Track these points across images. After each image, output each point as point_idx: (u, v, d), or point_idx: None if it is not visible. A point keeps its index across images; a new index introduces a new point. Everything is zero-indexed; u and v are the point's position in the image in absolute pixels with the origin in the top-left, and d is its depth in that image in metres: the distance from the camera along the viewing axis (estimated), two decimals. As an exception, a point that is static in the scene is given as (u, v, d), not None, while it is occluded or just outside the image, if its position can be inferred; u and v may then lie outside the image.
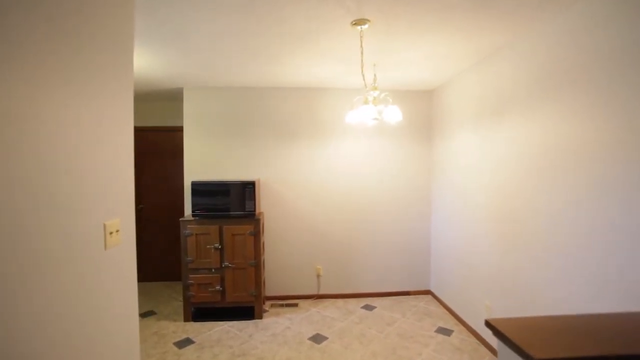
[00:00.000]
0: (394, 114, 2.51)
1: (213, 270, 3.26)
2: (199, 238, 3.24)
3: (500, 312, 2.56)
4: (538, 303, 2.17)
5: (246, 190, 3.27)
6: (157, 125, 4.42)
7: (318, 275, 3.87)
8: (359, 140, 3.86)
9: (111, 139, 1.27)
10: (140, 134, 4.44)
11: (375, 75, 2.69)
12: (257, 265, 3.30)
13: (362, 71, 2.54)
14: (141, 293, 4.33)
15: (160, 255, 4.42)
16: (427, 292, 3.96)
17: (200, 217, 3.25)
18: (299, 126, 3.82)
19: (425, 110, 3.92)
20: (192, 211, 3.24)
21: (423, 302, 3.75)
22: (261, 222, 3.41)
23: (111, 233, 1.28)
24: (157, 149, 4.45)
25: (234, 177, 3.74)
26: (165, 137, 4.42)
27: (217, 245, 3.23)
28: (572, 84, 1.88)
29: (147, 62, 2.88)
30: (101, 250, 1.21)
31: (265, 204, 3.81)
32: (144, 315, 3.44)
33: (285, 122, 3.81)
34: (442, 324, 3.20)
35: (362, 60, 2.53)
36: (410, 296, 3.91)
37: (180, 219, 3.25)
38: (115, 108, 1.30)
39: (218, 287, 3.25)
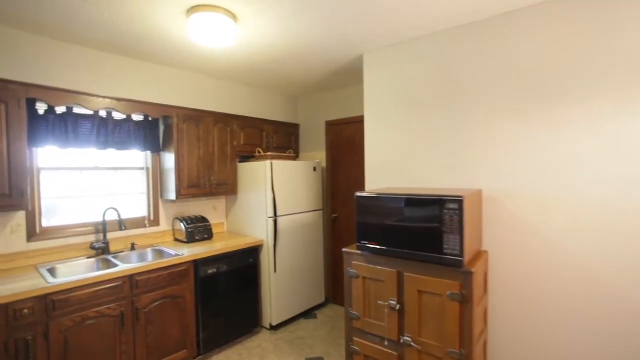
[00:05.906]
0: None
1: (387, 342, 1.96)
2: (367, 284, 2.03)
3: None
4: None
5: (445, 213, 1.72)
6: (349, 117, 3.56)
7: (621, 412, 1.71)
8: None
9: None
10: (334, 128, 3.74)
11: None
12: (465, 359, 1.70)
13: None
14: (325, 322, 3.27)
15: (353, 277, 3.55)
16: None
17: (370, 252, 2.01)
18: (567, 84, 1.79)
19: None
20: (358, 241, 2.05)
21: None
22: (478, 275, 1.75)
23: None
24: (352, 146, 3.59)
25: (433, 187, 2.25)
26: (360, 131, 3.48)
27: (393, 302, 1.90)
28: None
29: (310, 28, 1.96)
30: None
31: (492, 238, 2.07)
32: (311, 362, 2.64)
33: (536, 79, 1.89)
34: None
35: None
36: None
37: (344, 250, 2.15)
38: None
39: (395, 373, 1.92)
